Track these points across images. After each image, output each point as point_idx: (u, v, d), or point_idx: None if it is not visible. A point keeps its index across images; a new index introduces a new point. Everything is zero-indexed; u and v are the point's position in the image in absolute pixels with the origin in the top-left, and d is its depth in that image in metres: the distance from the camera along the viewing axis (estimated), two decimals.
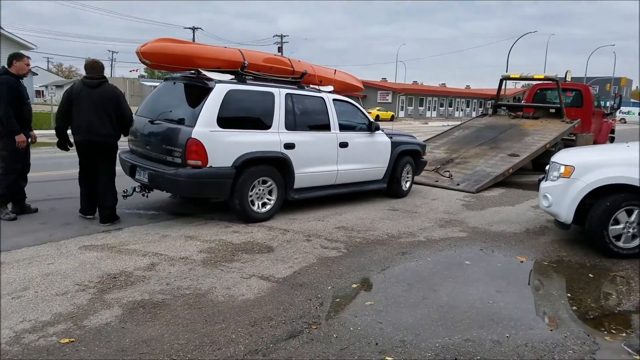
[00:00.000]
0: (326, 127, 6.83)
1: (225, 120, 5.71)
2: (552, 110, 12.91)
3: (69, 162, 10.31)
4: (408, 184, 8.25)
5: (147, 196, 6.46)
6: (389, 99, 53.95)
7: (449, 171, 9.74)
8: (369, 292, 4.07)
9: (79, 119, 5.53)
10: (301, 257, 4.88)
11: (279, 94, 6.31)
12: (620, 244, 5.11)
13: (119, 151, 6.01)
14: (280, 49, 55.65)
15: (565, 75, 15.99)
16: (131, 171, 6.19)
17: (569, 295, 4.17)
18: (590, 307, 3.93)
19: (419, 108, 57.24)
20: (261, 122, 6.13)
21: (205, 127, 5.54)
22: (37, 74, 46.25)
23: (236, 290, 3.99)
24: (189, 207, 6.77)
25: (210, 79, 5.84)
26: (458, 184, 9.08)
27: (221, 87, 5.78)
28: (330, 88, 7.27)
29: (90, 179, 5.78)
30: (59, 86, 51.99)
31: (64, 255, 4.64)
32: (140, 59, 5.91)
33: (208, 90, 5.73)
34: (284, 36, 60.71)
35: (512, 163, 9.83)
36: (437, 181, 9.39)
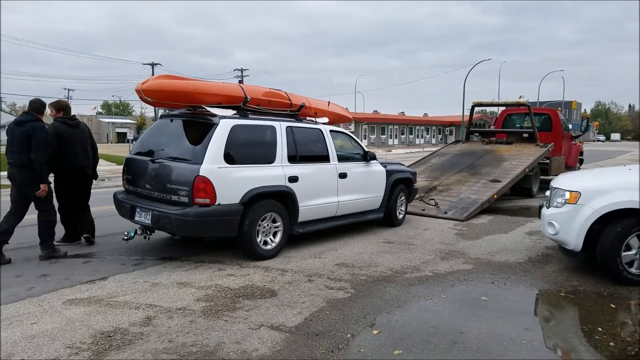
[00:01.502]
0: (325, 158, 6.70)
1: (231, 156, 5.50)
2: (525, 135, 13.11)
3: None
4: (402, 213, 8.13)
5: (148, 238, 6.06)
6: (352, 128, 54.43)
7: (434, 199, 9.61)
8: (393, 339, 3.74)
9: (73, 157, 6.23)
10: (308, 300, 4.53)
11: (280, 127, 6.15)
12: (633, 270, 4.99)
13: (115, 191, 6.30)
14: (241, 82, 55.64)
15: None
16: (130, 212, 5.80)
17: (599, 329, 3.96)
18: (627, 342, 3.73)
19: (381, 136, 57.98)
20: (265, 156, 5.94)
21: (212, 163, 5.28)
22: None
23: (248, 345, 3.60)
24: (174, 249, 6.32)
25: (214, 115, 5.61)
26: (446, 212, 8.94)
27: (226, 123, 5.56)
28: (326, 119, 7.16)
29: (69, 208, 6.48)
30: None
31: (48, 312, 4.14)
32: (140, 97, 5.61)
33: (212, 126, 5.52)
34: (244, 70, 60.91)
35: (496, 189, 9.80)
36: (423, 210, 9.23)
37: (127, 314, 4.13)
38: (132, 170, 6.09)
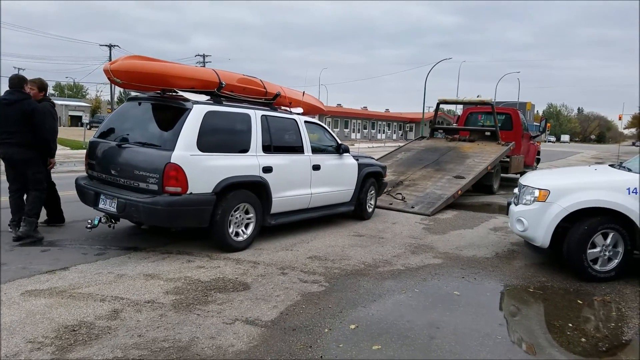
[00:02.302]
0: (299, 149, 6.59)
1: (204, 143, 5.27)
2: (488, 133, 13.39)
3: None
4: (372, 206, 8.13)
5: (113, 227, 5.75)
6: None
7: (400, 193, 9.67)
8: (371, 334, 3.69)
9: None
10: (282, 294, 4.43)
11: (255, 115, 5.98)
12: (597, 267, 5.14)
13: (77, 177, 6.00)
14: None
15: None
16: (94, 200, 5.50)
17: (570, 325, 4.05)
18: (597, 338, 3.82)
19: (344, 130, 58.23)
20: (239, 145, 5.76)
21: (184, 150, 5.05)
22: None
23: (223, 340, 3.47)
24: (139, 239, 6.07)
25: (187, 100, 5.37)
26: (412, 207, 9.01)
27: (200, 108, 5.34)
28: (300, 110, 7.02)
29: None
30: None
31: (5, 304, 3.87)
32: (109, 77, 5.32)
33: (184, 111, 5.27)
34: (207, 56, 59.71)
35: (460, 185, 9.94)
36: (391, 204, 9.26)
37: (92, 306, 3.92)
38: (96, 155, 5.77)
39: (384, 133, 66.27)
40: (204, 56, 58.90)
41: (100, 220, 5.49)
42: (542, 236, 5.32)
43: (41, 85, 6.22)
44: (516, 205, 5.81)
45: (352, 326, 3.81)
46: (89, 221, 5.52)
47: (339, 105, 64.94)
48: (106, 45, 53.14)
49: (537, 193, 5.44)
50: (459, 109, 64.23)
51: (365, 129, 62.98)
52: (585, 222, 5.11)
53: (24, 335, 3.36)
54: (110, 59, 53.17)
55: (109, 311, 3.84)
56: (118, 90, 58.58)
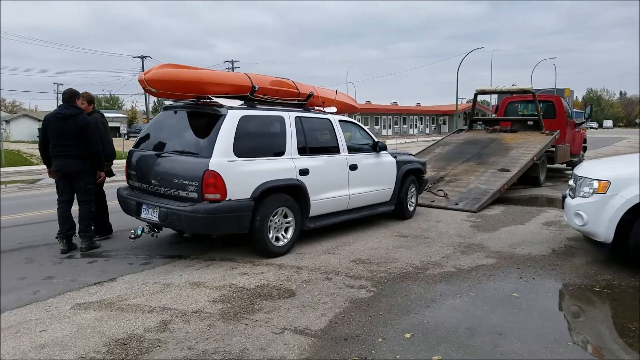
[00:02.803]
0: (335, 149, 6.42)
1: (241, 149, 5.19)
2: (530, 123, 12.89)
3: (28, 203, 9.38)
4: (413, 205, 7.90)
5: (156, 236, 5.76)
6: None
7: (442, 190, 9.37)
8: (429, 343, 3.49)
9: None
10: (329, 301, 4.27)
11: (289, 117, 5.86)
12: None
13: (118, 187, 6.06)
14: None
15: None
16: (136, 210, 5.51)
17: None
18: None
19: (375, 127, 57.68)
20: (274, 149, 5.65)
21: (221, 157, 4.99)
22: None
23: (274, 352, 3.34)
24: (182, 247, 6.04)
25: (221, 106, 5.31)
26: (457, 204, 8.71)
27: (234, 114, 5.26)
28: (334, 109, 6.85)
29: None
30: (5, 121, 49.37)
31: (56, 318, 3.86)
32: (144, 87, 5.31)
33: (219, 117, 5.21)
34: (235, 61, 60.18)
35: (506, 178, 9.57)
36: (432, 201, 8.99)
37: (141, 318, 3.86)
38: (136, 165, 5.79)
39: (416, 128, 65.33)
40: (232, 62, 59.35)
41: (143, 230, 5.49)
42: (605, 230, 4.99)
43: (90, 98, 6.42)
44: (573, 198, 5.48)
45: (407, 335, 3.62)
46: (132, 231, 5.53)
47: (368, 102, 64.38)
48: (138, 57, 54.20)
49: (596, 184, 5.11)
50: (493, 99, 62.80)
51: (396, 124, 62.23)
52: None
53: (76, 351, 3.32)
54: (143, 70, 54.50)
55: (157, 323, 3.78)
56: (152, 100, 59.65)
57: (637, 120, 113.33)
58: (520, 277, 4.92)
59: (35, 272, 5.06)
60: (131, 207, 5.64)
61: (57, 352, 3.31)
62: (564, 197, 5.81)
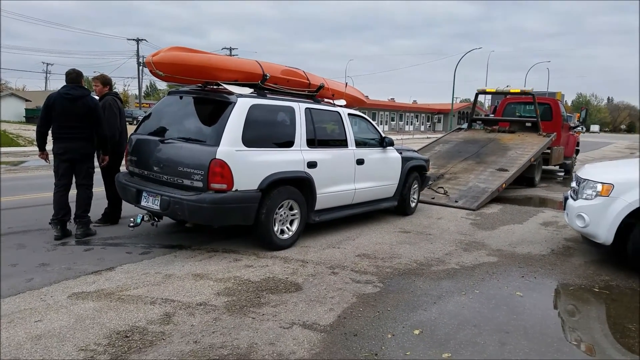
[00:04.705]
0: (343, 143, 6.33)
1: (249, 138, 5.06)
2: (528, 124, 12.92)
3: (16, 186, 9.18)
4: (415, 201, 7.88)
5: (156, 225, 5.60)
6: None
7: (442, 187, 9.36)
8: (438, 340, 3.45)
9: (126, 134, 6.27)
10: (337, 295, 4.22)
11: (299, 108, 5.75)
12: None
13: (117, 174, 5.92)
14: None
15: None
16: (136, 197, 5.36)
17: None
18: None
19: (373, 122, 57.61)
20: (283, 140, 5.54)
21: (230, 146, 4.86)
22: None
23: (283, 347, 3.27)
24: (183, 237, 5.93)
25: (231, 93, 5.17)
26: (456, 201, 8.69)
27: (244, 102, 5.12)
28: (343, 102, 6.77)
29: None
30: None
31: (53, 308, 3.74)
32: (151, 70, 5.12)
33: (228, 104, 5.07)
34: (233, 49, 59.75)
35: (504, 178, 9.58)
36: (433, 198, 8.97)
37: (143, 310, 3.77)
38: (137, 151, 5.62)
39: (411, 125, 65.40)
40: (230, 49, 58.86)
41: (143, 219, 5.36)
42: (606, 233, 5.00)
43: (104, 80, 6.30)
44: (575, 200, 5.47)
45: (416, 331, 3.57)
46: (132, 219, 5.39)
47: (367, 97, 64.29)
48: (134, 40, 53.44)
49: (599, 187, 5.11)
50: (487, 100, 62.95)
51: (392, 120, 62.24)
52: None
53: (75, 343, 3.21)
54: (137, 53, 53.69)
55: (160, 315, 3.69)
56: (145, 84, 58.97)
57: (622, 127, 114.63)
58: (522, 276, 4.91)
59: (28, 259, 4.90)
60: (130, 195, 5.48)
61: (54, 343, 3.20)
62: (566, 198, 5.80)
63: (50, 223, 5.72)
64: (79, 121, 5.53)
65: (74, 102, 5.49)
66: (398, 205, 7.45)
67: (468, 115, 14.69)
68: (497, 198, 9.34)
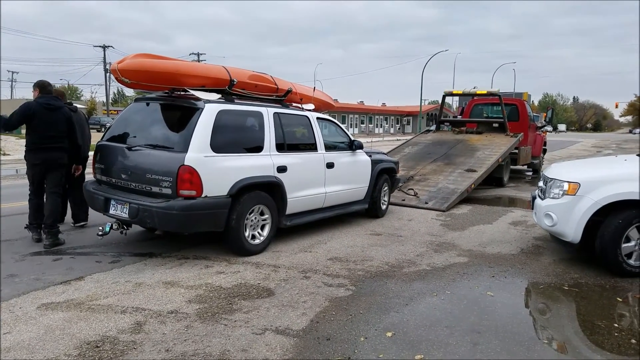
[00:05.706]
0: (313, 147, 6.36)
1: (218, 144, 5.04)
2: (495, 125, 13.19)
3: None
4: (385, 203, 7.94)
5: (125, 234, 5.49)
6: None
7: (412, 189, 9.47)
8: (410, 342, 3.50)
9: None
10: (309, 300, 4.23)
11: (267, 113, 5.75)
12: (632, 262, 4.96)
13: (85, 182, 5.94)
14: None
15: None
16: (104, 205, 5.28)
17: (616, 325, 3.86)
18: None
19: (342, 125, 57.85)
20: (252, 145, 5.54)
21: (198, 152, 4.83)
22: None
23: (256, 353, 3.27)
24: (153, 244, 5.86)
25: (198, 99, 5.13)
26: (426, 203, 8.81)
27: (212, 108, 5.10)
28: (312, 106, 6.81)
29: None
30: None
31: (21, 320, 3.65)
32: (116, 77, 5.07)
33: (196, 110, 5.04)
34: (201, 54, 59.19)
35: (473, 179, 9.75)
36: (403, 200, 9.06)
37: (114, 319, 3.71)
38: (104, 158, 5.53)
39: (381, 127, 65.92)
40: (198, 55, 58.33)
41: (111, 227, 5.27)
42: (573, 231, 5.13)
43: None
44: (543, 199, 5.61)
45: (389, 334, 3.61)
46: (100, 228, 5.31)
47: (336, 100, 64.54)
48: (100, 46, 52.62)
49: (566, 186, 5.25)
50: (454, 102, 64.13)
51: (362, 123, 62.63)
52: (619, 215, 4.91)
53: (45, 354, 3.15)
54: (104, 60, 52.81)
55: (131, 324, 3.63)
56: (113, 91, 57.98)
57: (588, 125, 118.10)
58: (493, 276, 5.01)
59: None
60: (98, 203, 5.39)
61: (24, 355, 3.13)
62: (534, 198, 5.95)
63: (26, 228, 5.83)
64: (58, 131, 5.57)
65: (55, 112, 5.54)
66: (369, 208, 7.51)
67: (436, 117, 14.88)
68: (467, 198, 9.51)
